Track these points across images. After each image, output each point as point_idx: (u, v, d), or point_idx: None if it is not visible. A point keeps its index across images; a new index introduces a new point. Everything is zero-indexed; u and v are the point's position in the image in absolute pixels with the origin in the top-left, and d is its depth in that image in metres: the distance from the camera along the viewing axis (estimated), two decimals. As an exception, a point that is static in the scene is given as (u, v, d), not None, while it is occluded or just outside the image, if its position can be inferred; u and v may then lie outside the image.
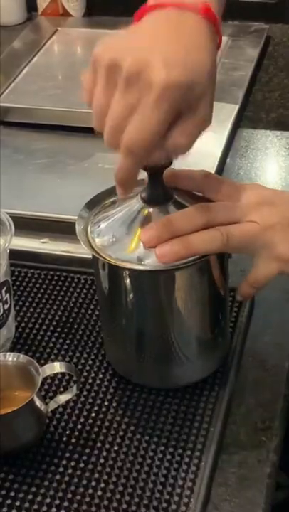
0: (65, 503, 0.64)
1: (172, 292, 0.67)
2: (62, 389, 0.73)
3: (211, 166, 1.00)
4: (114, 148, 0.58)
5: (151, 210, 0.65)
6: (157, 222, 0.64)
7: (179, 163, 1.00)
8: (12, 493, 0.65)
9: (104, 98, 0.58)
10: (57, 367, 0.69)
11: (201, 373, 0.73)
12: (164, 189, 0.65)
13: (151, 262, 0.63)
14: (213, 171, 1.00)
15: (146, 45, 0.57)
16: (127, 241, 0.65)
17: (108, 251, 0.65)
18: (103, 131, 0.58)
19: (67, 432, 0.70)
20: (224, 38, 1.27)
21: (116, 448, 0.68)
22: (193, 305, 0.69)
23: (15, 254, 0.83)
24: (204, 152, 1.03)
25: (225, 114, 1.10)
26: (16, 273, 0.86)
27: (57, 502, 0.64)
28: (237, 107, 1.11)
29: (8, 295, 0.74)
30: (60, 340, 0.78)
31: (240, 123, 1.10)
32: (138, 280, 0.67)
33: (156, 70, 0.55)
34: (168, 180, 0.66)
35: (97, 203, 0.70)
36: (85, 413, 0.71)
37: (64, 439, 0.69)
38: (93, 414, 0.71)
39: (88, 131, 0.62)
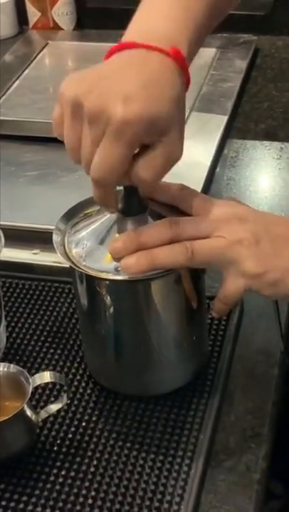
0: (56, 512, 0.65)
1: (148, 302, 0.68)
2: (53, 398, 0.74)
3: (200, 176, 1.02)
4: None
5: (126, 221, 0.66)
6: (125, 234, 0.65)
7: (168, 174, 1.02)
8: (3, 502, 0.66)
9: (73, 133, 0.60)
10: (47, 376, 0.69)
11: (181, 381, 0.74)
12: (139, 200, 0.66)
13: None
14: (202, 181, 1.01)
15: (108, 82, 0.59)
16: (103, 252, 0.65)
17: (85, 261, 0.66)
18: (79, 162, 0.61)
19: (58, 441, 0.70)
20: (213, 50, 1.29)
21: (106, 456, 0.69)
22: (170, 314, 0.70)
23: (6, 266, 0.84)
24: (194, 162, 1.05)
25: (214, 124, 1.11)
26: (8, 284, 0.87)
27: (48, 511, 0.65)
28: (226, 117, 1.12)
29: (-2, 306, 0.75)
30: (51, 351, 0.79)
31: (229, 133, 1.11)
32: (114, 290, 0.68)
33: (115, 106, 0.57)
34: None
35: (74, 214, 0.71)
36: (75, 422, 0.72)
37: (55, 448, 0.70)
38: (84, 424, 0.72)
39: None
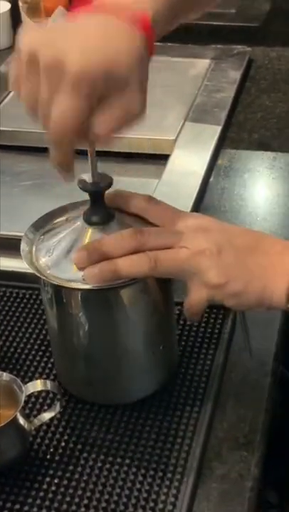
0: (49, 520, 0.65)
1: (114, 311, 0.69)
2: (46, 407, 0.74)
3: (194, 185, 1.02)
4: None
5: (92, 230, 0.67)
6: (89, 243, 0.65)
7: (162, 182, 1.02)
8: (-4, 511, 0.66)
9: (30, 87, 0.58)
10: (40, 384, 0.69)
11: (148, 390, 0.74)
12: (105, 210, 0.67)
13: None
14: (196, 190, 1.01)
15: (65, 35, 0.58)
16: (70, 261, 0.66)
17: (52, 270, 0.66)
18: (37, 118, 0.59)
19: (51, 450, 0.70)
20: (207, 61, 1.30)
21: (99, 465, 0.69)
22: (136, 323, 0.70)
23: (0, 274, 0.84)
24: (188, 172, 1.05)
25: (208, 134, 1.12)
26: (1, 293, 0.87)
27: (40, 519, 0.65)
28: (220, 128, 1.13)
29: (-8, 314, 0.75)
30: (45, 359, 0.79)
31: (222, 143, 1.12)
32: (80, 299, 0.68)
33: (71, 58, 0.56)
34: (110, 202, 0.68)
35: (44, 223, 0.71)
36: (68, 431, 0.72)
37: (48, 456, 0.70)
38: (77, 432, 0.72)
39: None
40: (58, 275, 0.66)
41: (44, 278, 0.66)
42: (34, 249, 0.69)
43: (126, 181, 1.11)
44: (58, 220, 0.71)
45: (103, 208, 0.67)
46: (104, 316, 0.69)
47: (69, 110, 0.57)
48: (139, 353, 0.72)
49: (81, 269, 0.65)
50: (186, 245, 0.64)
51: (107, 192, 0.67)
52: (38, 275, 0.67)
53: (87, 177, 0.65)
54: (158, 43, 1.40)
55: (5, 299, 0.87)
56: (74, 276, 0.65)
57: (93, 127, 0.58)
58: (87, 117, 0.58)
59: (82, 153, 0.64)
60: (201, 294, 0.65)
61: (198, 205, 1.00)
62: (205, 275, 0.64)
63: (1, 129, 1.19)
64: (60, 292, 0.68)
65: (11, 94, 1.27)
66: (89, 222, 0.67)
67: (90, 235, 0.67)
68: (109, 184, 0.66)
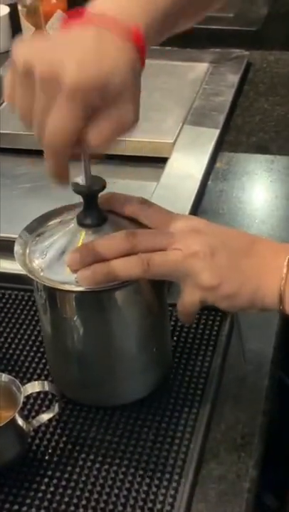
0: (47, 521, 0.65)
1: (107, 312, 0.69)
2: (44, 408, 0.74)
3: (192, 188, 1.03)
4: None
5: (85, 232, 0.67)
6: (82, 246, 0.66)
7: (160, 185, 1.02)
8: (-6, 512, 0.66)
9: (25, 98, 0.59)
10: (39, 385, 0.69)
11: (142, 392, 0.74)
12: (98, 212, 0.67)
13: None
14: (194, 193, 1.02)
15: (61, 48, 0.59)
16: (63, 262, 0.66)
17: (45, 272, 0.66)
18: (31, 129, 0.60)
19: (50, 451, 0.70)
20: (205, 65, 1.31)
21: (97, 466, 0.69)
22: (129, 325, 0.70)
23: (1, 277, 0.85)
24: (186, 175, 1.06)
25: (206, 138, 1.12)
26: (0, 294, 0.87)
27: (39, 519, 0.65)
28: (218, 131, 1.13)
29: (-9, 316, 0.76)
30: (43, 360, 0.79)
31: (221, 147, 1.12)
32: (73, 301, 0.68)
33: (68, 70, 0.56)
34: (104, 204, 0.68)
35: (38, 225, 0.71)
36: (67, 431, 0.72)
37: (46, 457, 0.70)
38: (75, 433, 0.72)
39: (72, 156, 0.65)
40: (51, 277, 0.66)
41: (37, 280, 0.67)
42: (28, 251, 0.69)
43: (124, 184, 1.11)
44: (51, 222, 0.71)
45: (96, 211, 0.67)
46: (97, 318, 0.69)
47: (64, 122, 0.57)
48: (133, 355, 0.72)
49: (74, 271, 0.65)
50: (179, 247, 0.65)
51: (100, 194, 0.67)
52: (31, 277, 0.67)
53: (81, 180, 0.66)
54: (156, 47, 1.40)
55: (4, 300, 0.87)
56: (67, 279, 0.65)
57: (88, 138, 0.59)
58: (81, 129, 0.58)
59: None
60: (194, 295, 0.66)
61: (197, 208, 1.01)
62: (198, 277, 0.64)
63: (1, 131, 1.19)
64: (53, 294, 0.68)
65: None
66: (82, 224, 0.67)
67: (83, 237, 0.67)
68: (103, 187, 0.66)
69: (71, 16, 0.62)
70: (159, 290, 0.71)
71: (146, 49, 0.63)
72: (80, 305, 0.69)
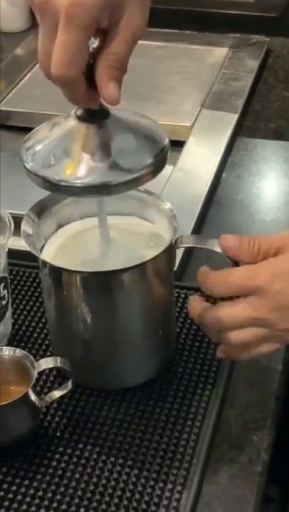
0: (58, 497, 0.65)
1: (115, 294, 0.68)
2: (57, 385, 0.74)
3: (208, 172, 1.02)
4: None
5: (87, 128, 0.62)
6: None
7: (178, 170, 1.02)
8: (5, 486, 0.66)
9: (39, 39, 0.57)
10: (52, 361, 0.69)
11: (146, 375, 0.74)
12: (100, 105, 0.63)
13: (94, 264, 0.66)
14: (210, 177, 1.01)
15: None
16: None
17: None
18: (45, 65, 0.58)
19: (61, 427, 0.70)
20: (225, 50, 1.30)
21: (109, 444, 0.69)
22: (135, 308, 0.70)
23: (15, 254, 0.84)
24: (203, 159, 1.05)
25: (224, 122, 1.11)
26: (14, 272, 0.87)
27: (49, 495, 0.65)
28: (236, 116, 1.13)
29: (6, 291, 0.75)
30: (56, 338, 0.79)
31: (239, 132, 1.11)
32: (80, 282, 0.67)
33: None
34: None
35: (45, 204, 0.72)
36: (79, 409, 0.72)
37: (58, 433, 0.70)
38: (87, 411, 0.72)
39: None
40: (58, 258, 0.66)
41: (43, 259, 0.66)
42: (35, 229, 0.68)
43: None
44: (60, 202, 0.71)
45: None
46: (103, 300, 0.69)
47: (67, 48, 0.55)
48: (138, 338, 0.72)
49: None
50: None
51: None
52: (38, 255, 0.67)
53: None
54: (176, 31, 1.40)
55: (18, 277, 0.87)
56: (74, 261, 0.65)
57: (100, 60, 0.57)
58: (86, 53, 0.56)
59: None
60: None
61: (213, 193, 1.00)
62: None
63: (17, 110, 1.19)
64: (59, 274, 0.68)
65: (27, 76, 1.27)
66: (81, 119, 0.62)
67: (86, 133, 0.62)
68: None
69: None
70: (167, 273, 0.71)
71: None
72: (87, 286, 0.68)
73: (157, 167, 0.63)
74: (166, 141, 0.65)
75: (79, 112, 0.62)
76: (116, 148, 0.63)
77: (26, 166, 0.63)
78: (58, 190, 0.62)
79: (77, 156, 0.61)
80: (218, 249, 0.68)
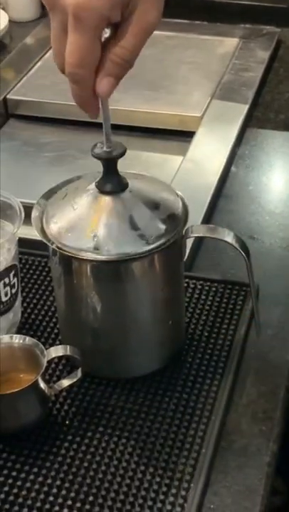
0: (66, 484, 0.65)
1: (125, 282, 0.68)
2: (67, 374, 0.74)
3: (218, 163, 1.02)
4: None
5: (106, 199, 0.66)
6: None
7: (188, 160, 1.01)
8: (14, 473, 0.66)
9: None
10: (62, 349, 0.69)
11: (155, 364, 0.74)
12: (118, 178, 0.66)
13: (106, 251, 0.65)
14: (221, 167, 1.01)
15: None
16: (81, 229, 0.65)
17: (64, 240, 0.66)
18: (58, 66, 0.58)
19: (70, 416, 0.70)
20: (235, 40, 1.29)
21: (118, 433, 0.69)
22: (146, 297, 0.70)
23: (25, 243, 0.84)
24: (212, 149, 1.05)
25: (234, 113, 1.11)
26: (24, 260, 0.87)
27: (58, 483, 0.65)
28: (246, 106, 1.12)
29: (16, 279, 0.75)
30: (66, 327, 0.79)
31: (249, 122, 1.11)
32: (90, 270, 0.67)
33: None
34: None
35: (56, 192, 0.71)
36: (88, 398, 0.72)
37: (67, 422, 0.70)
38: (96, 399, 0.72)
39: (97, 125, 0.64)
40: (69, 244, 0.65)
41: (53, 247, 0.66)
42: (45, 217, 0.68)
43: (150, 157, 1.10)
44: (71, 189, 0.70)
45: (116, 176, 0.66)
46: (113, 288, 0.69)
47: (79, 46, 0.55)
48: (147, 328, 0.72)
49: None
50: None
51: None
52: (48, 244, 0.66)
53: (100, 145, 0.65)
54: (186, 21, 1.40)
55: (27, 266, 0.87)
56: (85, 246, 0.65)
57: (112, 55, 0.56)
58: (97, 47, 0.56)
59: (97, 125, 0.64)
60: None
61: (223, 184, 1.00)
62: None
63: (26, 99, 1.19)
64: (69, 262, 0.67)
65: (37, 65, 1.26)
66: (102, 190, 0.66)
67: (102, 203, 0.66)
68: (123, 152, 0.65)
69: None
70: (177, 262, 0.71)
71: None
72: (97, 275, 0.68)
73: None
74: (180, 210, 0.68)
75: (98, 184, 0.66)
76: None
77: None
78: None
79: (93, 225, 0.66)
80: (228, 239, 0.69)
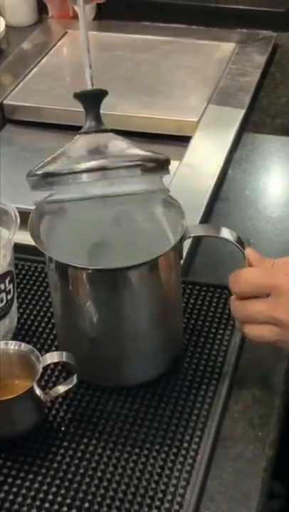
0: (62, 491, 0.65)
1: (122, 290, 0.68)
2: (62, 380, 0.74)
3: (215, 168, 1.02)
4: None
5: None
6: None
7: (185, 164, 1.01)
8: (10, 480, 0.66)
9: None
10: (58, 356, 0.69)
11: (154, 372, 0.74)
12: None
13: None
14: (217, 173, 1.01)
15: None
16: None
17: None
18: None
19: (66, 422, 0.70)
20: (232, 45, 1.29)
21: (114, 439, 0.69)
22: (143, 304, 0.70)
23: (20, 248, 0.84)
24: (209, 154, 1.05)
25: (230, 117, 1.11)
26: (20, 266, 0.87)
27: (54, 489, 0.65)
28: (243, 111, 1.12)
29: (11, 285, 0.75)
30: (62, 333, 0.79)
31: (245, 127, 1.11)
32: (87, 279, 0.67)
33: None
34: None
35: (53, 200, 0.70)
36: (84, 404, 0.72)
37: (62, 428, 0.70)
38: (92, 406, 0.72)
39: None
40: (65, 255, 0.65)
41: (49, 255, 0.66)
42: (42, 225, 0.68)
43: (147, 161, 1.10)
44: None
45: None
46: (109, 296, 0.69)
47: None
48: (144, 335, 0.72)
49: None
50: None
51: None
52: (44, 252, 0.66)
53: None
54: (183, 26, 1.40)
55: (23, 271, 0.87)
56: (81, 255, 0.65)
57: None
58: None
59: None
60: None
61: (219, 188, 1.00)
62: None
63: (23, 104, 1.19)
64: (65, 270, 0.67)
65: (34, 70, 1.26)
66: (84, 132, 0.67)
67: None
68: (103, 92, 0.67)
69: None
70: (174, 269, 0.71)
71: None
72: (93, 282, 0.68)
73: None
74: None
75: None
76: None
77: None
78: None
79: None
80: (229, 238, 0.68)
